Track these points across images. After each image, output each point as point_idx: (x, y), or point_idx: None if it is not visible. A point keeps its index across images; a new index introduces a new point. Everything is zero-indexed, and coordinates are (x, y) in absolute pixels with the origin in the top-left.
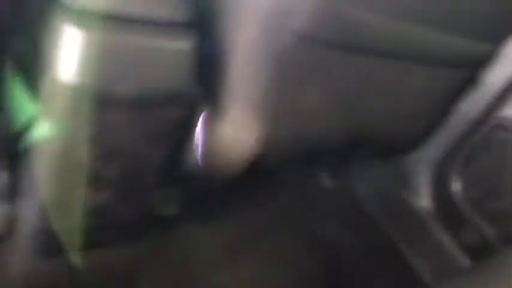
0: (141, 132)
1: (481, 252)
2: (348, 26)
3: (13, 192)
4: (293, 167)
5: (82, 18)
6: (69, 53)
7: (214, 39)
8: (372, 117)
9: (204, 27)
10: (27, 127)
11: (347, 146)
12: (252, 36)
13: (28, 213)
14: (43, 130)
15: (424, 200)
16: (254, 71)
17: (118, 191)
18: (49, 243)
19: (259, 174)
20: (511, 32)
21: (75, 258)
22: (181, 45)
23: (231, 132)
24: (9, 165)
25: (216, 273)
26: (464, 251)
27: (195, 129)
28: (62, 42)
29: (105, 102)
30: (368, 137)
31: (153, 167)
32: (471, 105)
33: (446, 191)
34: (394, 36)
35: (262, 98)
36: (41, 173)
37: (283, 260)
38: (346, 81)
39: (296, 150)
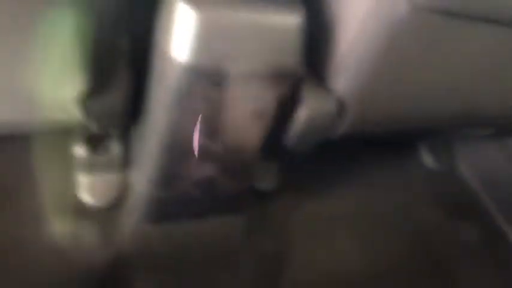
0: (247, 109)
1: None
2: None
3: (126, 162)
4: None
5: None
6: (181, 31)
7: (321, 13)
8: (487, 93)
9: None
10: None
11: (455, 124)
12: (364, 8)
13: (139, 182)
14: (153, 105)
15: None
16: (365, 45)
17: (222, 165)
18: (156, 211)
19: (357, 148)
20: None
21: (180, 226)
22: (291, 20)
23: (331, 106)
24: (122, 136)
25: (312, 246)
26: None
27: (298, 105)
28: (175, 21)
29: (214, 79)
30: (481, 116)
31: (256, 143)
32: None
33: None
34: None
35: (372, 73)
36: (152, 145)
37: (376, 237)
38: (464, 54)
39: (399, 127)
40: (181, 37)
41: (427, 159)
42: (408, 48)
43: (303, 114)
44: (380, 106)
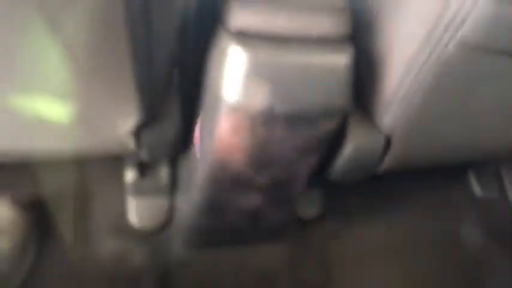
0: (294, 145)
1: None
2: None
3: (173, 188)
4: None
5: (244, 38)
6: (232, 71)
7: (369, 52)
8: None
9: (357, 39)
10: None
11: (505, 157)
12: (412, 46)
13: (185, 208)
14: (203, 138)
15: None
16: (413, 83)
17: (268, 196)
18: (201, 237)
19: (403, 175)
20: None
21: (223, 252)
22: (340, 61)
23: (377, 142)
24: (171, 163)
25: (354, 274)
26: None
27: (344, 140)
28: (226, 61)
29: (263, 119)
30: None
31: (301, 176)
32: None
33: None
34: None
35: (420, 110)
36: (199, 175)
37: (422, 266)
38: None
39: (445, 161)
40: (232, 77)
41: (476, 187)
42: (456, 85)
43: (348, 149)
44: (427, 142)
